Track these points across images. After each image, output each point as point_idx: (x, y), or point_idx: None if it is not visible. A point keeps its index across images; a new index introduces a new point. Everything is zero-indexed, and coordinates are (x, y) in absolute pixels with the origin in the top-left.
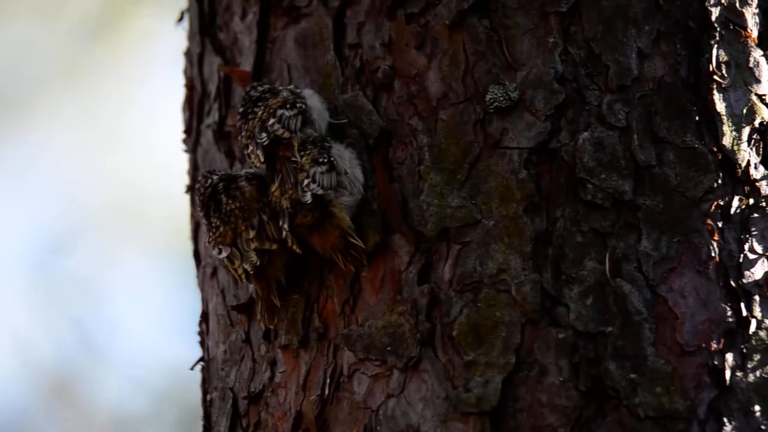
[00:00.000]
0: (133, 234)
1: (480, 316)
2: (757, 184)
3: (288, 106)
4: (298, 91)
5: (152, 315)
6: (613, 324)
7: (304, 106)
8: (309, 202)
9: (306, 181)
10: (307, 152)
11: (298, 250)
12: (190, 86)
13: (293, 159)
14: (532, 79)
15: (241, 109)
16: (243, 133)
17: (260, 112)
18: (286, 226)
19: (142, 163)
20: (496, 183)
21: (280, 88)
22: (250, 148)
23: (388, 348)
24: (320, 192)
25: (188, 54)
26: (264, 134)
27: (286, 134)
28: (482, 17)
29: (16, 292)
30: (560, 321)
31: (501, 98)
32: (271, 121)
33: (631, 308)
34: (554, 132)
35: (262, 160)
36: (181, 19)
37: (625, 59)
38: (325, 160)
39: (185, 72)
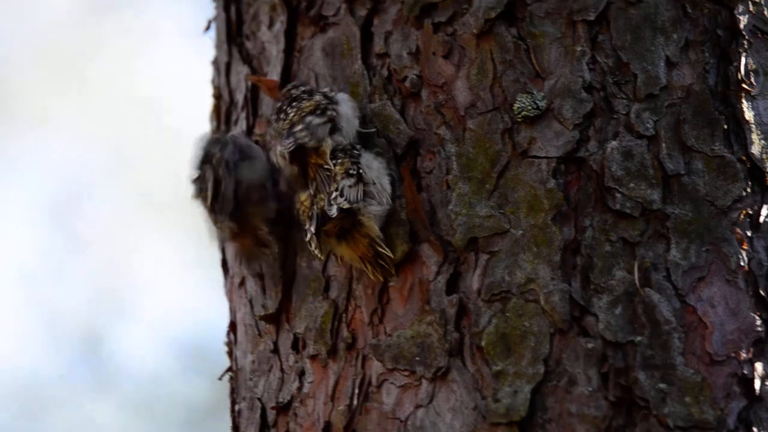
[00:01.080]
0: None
1: (509, 326)
2: None
3: (318, 112)
4: (332, 94)
5: (175, 272)
6: (642, 333)
7: (334, 114)
8: (335, 215)
9: (334, 194)
10: (339, 161)
11: (320, 256)
12: (217, 95)
13: (326, 167)
14: (560, 88)
15: (277, 105)
16: (272, 132)
17: (291, 114)
18: (312, 228)
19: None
20: (524, 192)
21: (317, 90)
22: (278, 148)
23: (417, 358)
24: (346, 206)
25: (216, 63)
26: (290, 140)
27: (312, 143)
28: (510, 26)
29: (37, 252)
30: (589, 330)
31: (529, 107)
32: (299, 127)
33: (660, 318)
34: (582, 141)
35: (287, 161)
36: (208, 27)
37: (653, 68)
38: (354, 172)
39: (213, 81)
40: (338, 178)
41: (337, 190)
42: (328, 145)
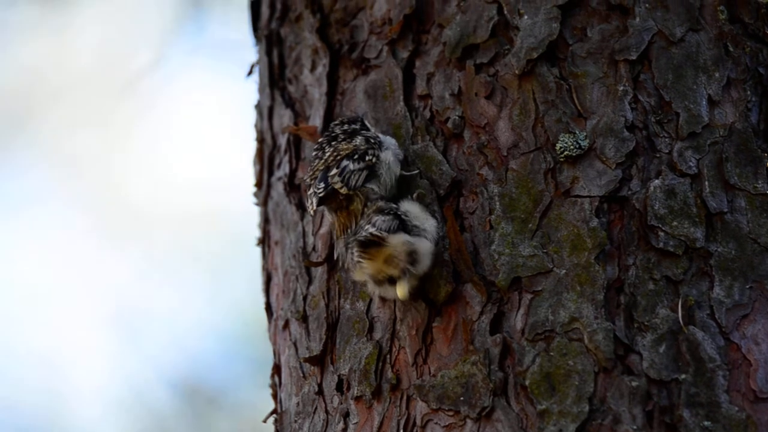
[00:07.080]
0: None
1: (553, 365)
2: None
3: (356, 157)
4: (375, 141)
5: None
6: (686, 371)
7: (373, 160)
8: (363, 240)
9: (367, 227)
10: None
11: (358, 278)
12: (260, 139)
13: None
14: (603, 127)
15: (320, 139)
16: (309, 171)
17: (328, 155)
18: (355, 256)
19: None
20: (567, 231)
21: (362, 131)
22: (311, 190)
23: (461, 398)
24: (377, 233)
25: (258, 107)
26: (322, 185)
27: (344, 190)
28: (552, 66)
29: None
30: (633, 369)
31: (571, 147)
32: (333, 171)
33: (705, 355)
34: (625, 180)
35: (315, 207)
36: (251, 72)
37: (696, 106)
38: (390, 213)
39: (256, 125)
40: (371, 216)
41: (370, 223)
42: (359, 204)
